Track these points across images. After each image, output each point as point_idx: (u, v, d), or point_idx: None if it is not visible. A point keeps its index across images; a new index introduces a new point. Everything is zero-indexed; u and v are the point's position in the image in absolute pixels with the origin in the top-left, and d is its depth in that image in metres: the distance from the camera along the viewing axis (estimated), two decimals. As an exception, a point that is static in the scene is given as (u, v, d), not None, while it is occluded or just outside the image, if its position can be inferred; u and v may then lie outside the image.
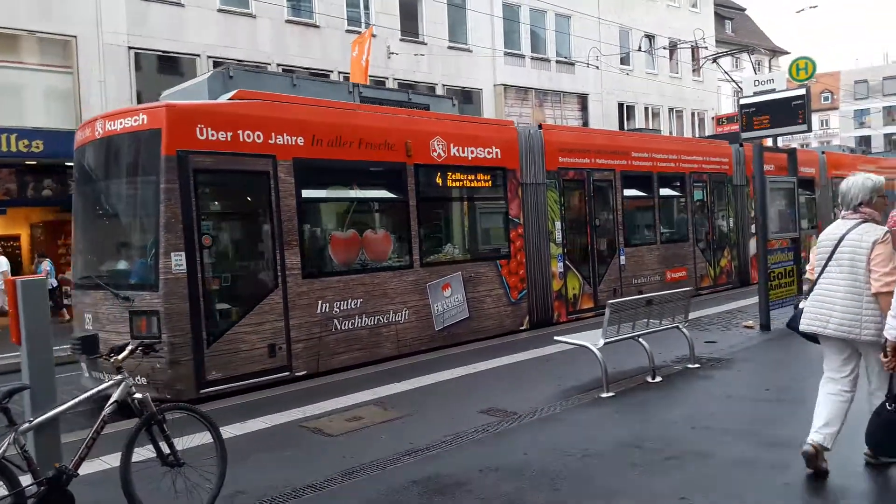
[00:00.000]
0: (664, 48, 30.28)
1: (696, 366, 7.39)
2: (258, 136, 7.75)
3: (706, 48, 28.32)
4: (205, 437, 4.21)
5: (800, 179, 16.96)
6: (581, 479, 4.43)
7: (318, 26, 20.56)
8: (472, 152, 10.11)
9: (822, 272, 4.31)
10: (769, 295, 9.40)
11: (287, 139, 7.97)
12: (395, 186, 9.25)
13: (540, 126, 11.84)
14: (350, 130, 8.63)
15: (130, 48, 17.06)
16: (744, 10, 46.87)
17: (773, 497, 4.02)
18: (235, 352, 7.40)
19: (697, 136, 31.25)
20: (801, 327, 4.41)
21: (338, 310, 8.37)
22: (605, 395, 6.42)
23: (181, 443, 4.15)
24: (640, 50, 28.85)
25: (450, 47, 23.67)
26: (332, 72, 20.68)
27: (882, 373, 4.05)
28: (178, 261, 7.01)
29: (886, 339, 3.81)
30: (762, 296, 9.38)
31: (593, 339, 6.78)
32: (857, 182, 4.30)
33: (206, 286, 7.24)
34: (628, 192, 12.78)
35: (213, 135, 7.34)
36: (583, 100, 27.94)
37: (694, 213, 14.29)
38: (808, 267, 4.65)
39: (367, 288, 8.71)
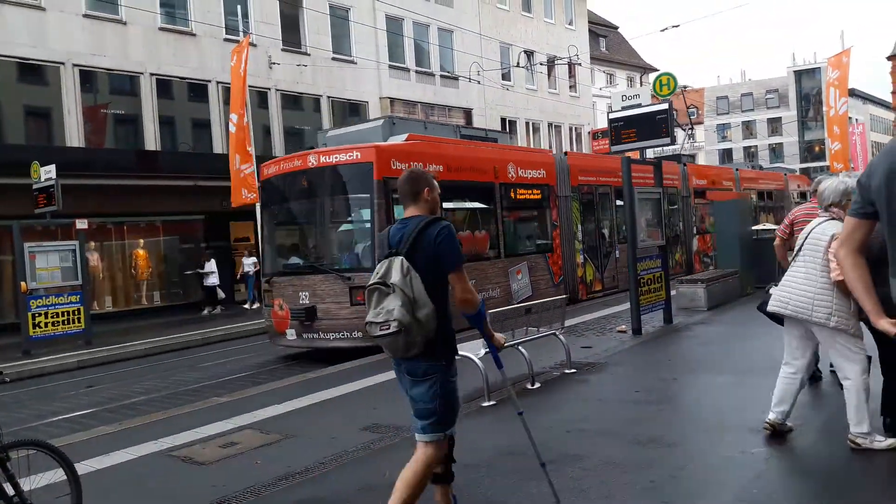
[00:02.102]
0: (542, 64, 31.39)
1: (573, 371, 7.65)
2: (420, 166, 10.15)
3: (580, 64, 29.61)
4: (57, 475, 3.91)
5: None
6: (461, 490, 4.45)
7: (194, 34, 19.81)
8: (529, 173, 13.60)
9: (793, 261, 4.73)
10: (640, 300, 9.89)
11: (435, 167, 11.02)
12: (488, 199, 12.72)
13: (566, 153, 16.17)
14: (464, 160, 12.13)
15: (-18, 54, 15.80)
16: (616, 27, 49.39)
17: (640, 494, 4.20)
18: None
19: (575, 149, 32.62)
20: (769, 308, 4.81)
21: None
22: (486, 403, 6.52)
23: (29, 483, 3.84)
24: (518, 66, 29.78)
25: (334, 59, 23.47)
26: (210, 81, 19.99)
27: (846, 354, 4.43)
28: None
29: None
30: (633, 301, 9.86)
31: (474, 350, 6.87)
32: (831, 185, 4.66)
33: None
34: (619, 203, 15.79)
35: (398, 165, 10.32)
36: (468, 114, 28.46)
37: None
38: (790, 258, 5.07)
39: (477, 272, 11.77)
